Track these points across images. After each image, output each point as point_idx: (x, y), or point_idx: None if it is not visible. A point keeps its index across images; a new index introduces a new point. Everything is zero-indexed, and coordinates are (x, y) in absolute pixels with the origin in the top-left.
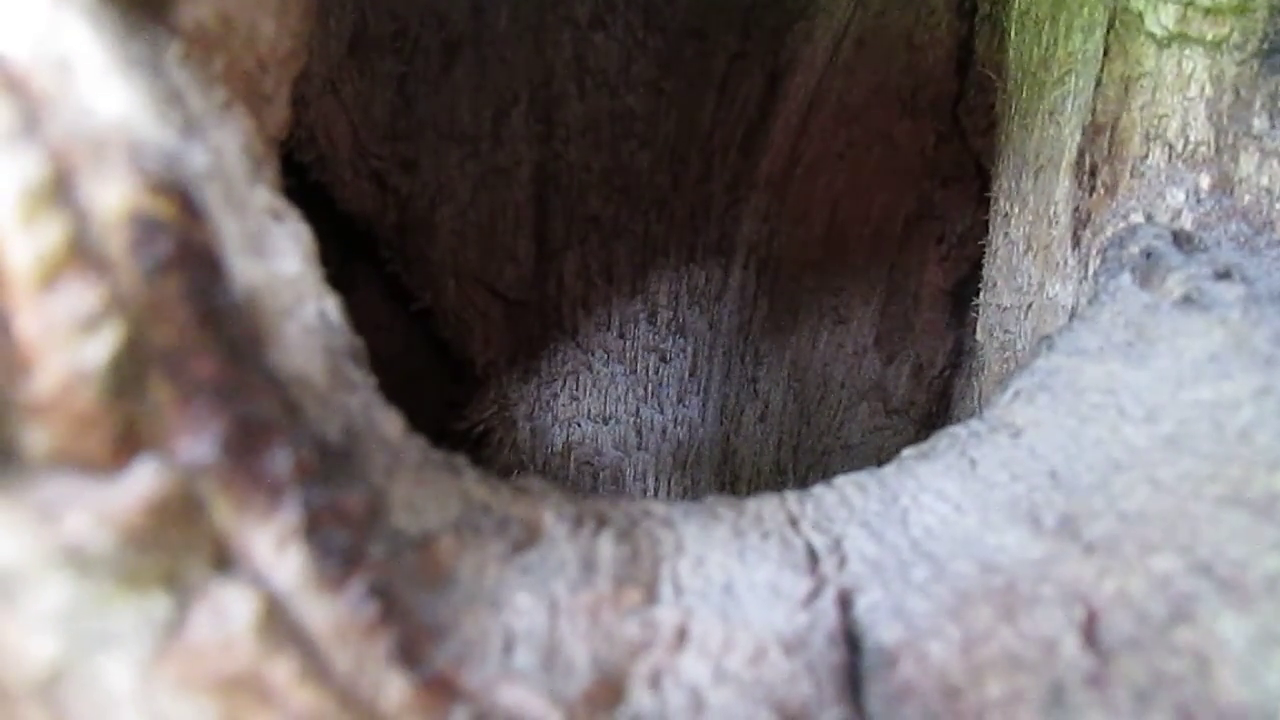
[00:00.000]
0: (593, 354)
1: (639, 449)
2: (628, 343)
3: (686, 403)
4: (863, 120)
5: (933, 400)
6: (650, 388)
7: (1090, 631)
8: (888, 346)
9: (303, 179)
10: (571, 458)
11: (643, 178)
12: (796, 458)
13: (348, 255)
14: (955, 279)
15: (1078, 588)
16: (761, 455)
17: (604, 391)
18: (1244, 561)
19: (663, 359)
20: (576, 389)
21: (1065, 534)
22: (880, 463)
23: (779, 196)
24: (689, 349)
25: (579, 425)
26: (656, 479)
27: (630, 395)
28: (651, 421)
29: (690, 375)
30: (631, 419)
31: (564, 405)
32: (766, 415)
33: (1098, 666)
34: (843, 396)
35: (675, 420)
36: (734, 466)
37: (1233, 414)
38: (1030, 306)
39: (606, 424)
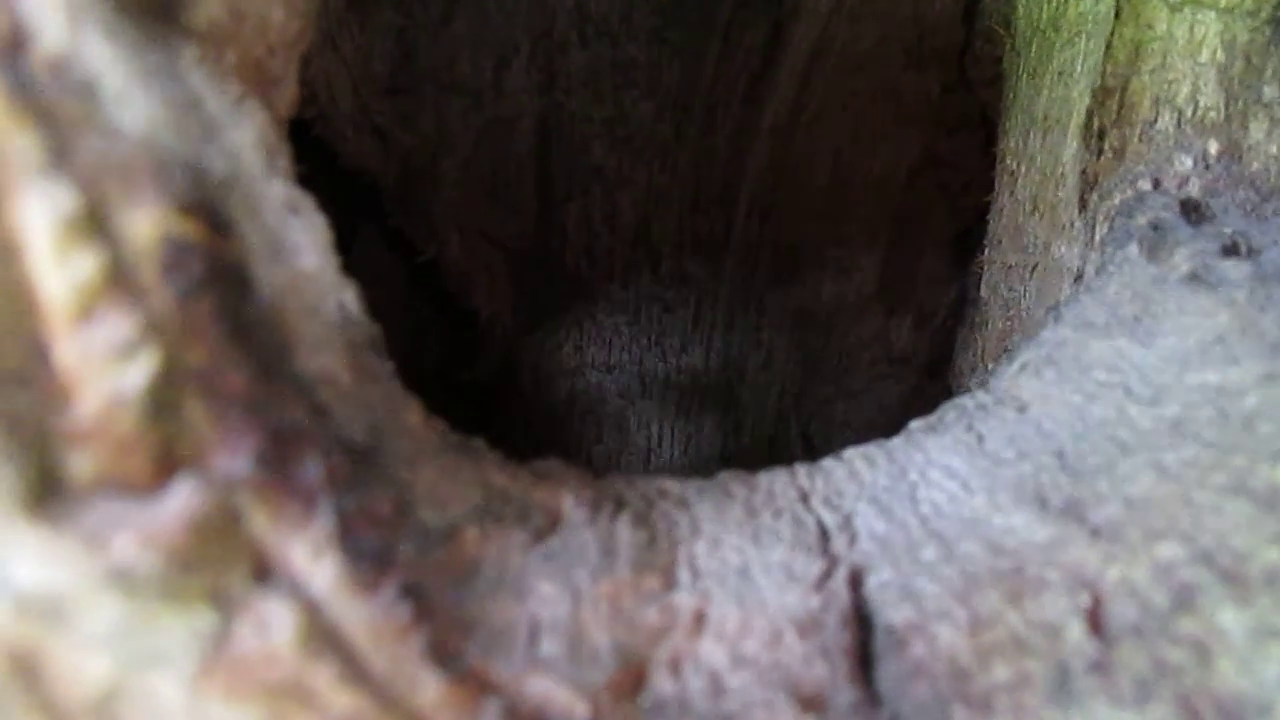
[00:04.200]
0: (596, 304)
1: (642, 398)
2: (631, 292)
3: (690, 352)
4: (868, 69)
5: (934, 350)
6: (654, 337)
7: (1095, 618)
8: (890, 296)
9: (304, 135)
10: (575, 407)
11: (645, 128)
12: (799, 406)
13: (350, 210)
14: (959, 229)
15: (1083, 574)
16: (764, 404)
17: (608, 341)
18: (1245, 553)
19: (666, 308)
20: (580, 339)
21: (1071, 517)
22: (882, 410)
23: (783, 146)
24: (692, 298)
25: (583, 375)
26: (660, 428)
27: (634, 345)
28: (655, 370)
29: (693, 324)
30: (635, 368)
31: (568, 355)
32: (769, 364)
33: (1102, 653)
34: (845, 346)
35: (679, 369)
36: (737, 415)
37: (1238, 401)
38: (1035, 267)
39: (610, 373)
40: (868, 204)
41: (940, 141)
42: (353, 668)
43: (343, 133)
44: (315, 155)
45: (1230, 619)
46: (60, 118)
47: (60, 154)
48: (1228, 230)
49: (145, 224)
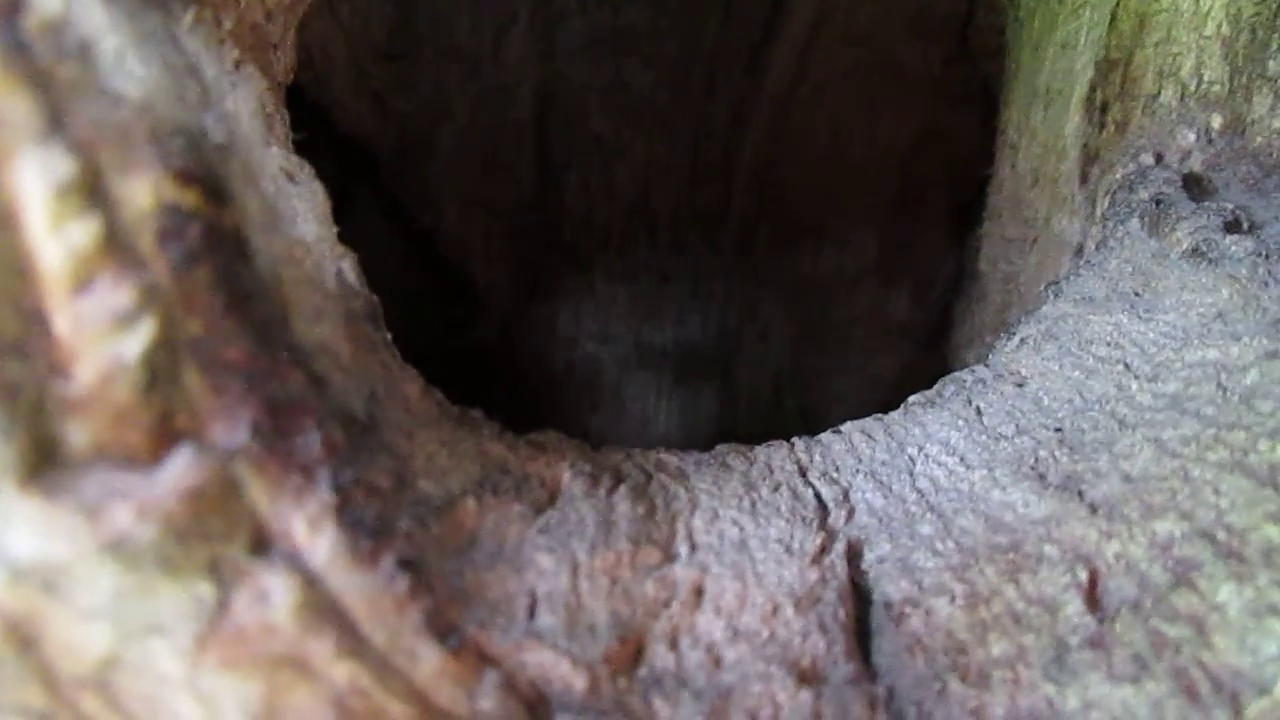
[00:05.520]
0: (594, 274)
1: (639, 368)
2: (628, 263)
3: (687, 323)
4: (869, 40)
5: (932, 322)
6: (651, 307)
7: (1092, 594)
8: (889, 268)
9: (300, 100)
10: (572, 377)
11: (645, 97)
12: (796, 378)
13: (347, 177)
14: (959, 201)
15: (1081, 549)
16: (761, 375)
17: (605, 311)
18: (1244, 530)
19: (664, 279)
20: (577, 309)
21: (1070, 493)
22: (879, 383)
23: (783, 117)
24: (690, 269)
25: (580, 345)
26: (656, 398)
27: (631, 315)
28: (652, 341)
29: (691, 296)
30: (632, 339)
31: (565, 325)
32: (767, 336)
33: (1099, 629)
34: (843, 318)
35: (675, 340)
36: (734, 386)
37: (1238, 377)
38: (1035, 240)
39: (607, 344)
40: (867, 175)
41: (941, 114)
42: (351, 639)
43: (339, 98)
44: (311, 121)
45: (1228, 595)
46: (56, 82)
47: (56, 119)
48: (1230, 205)
49: (142, 191)
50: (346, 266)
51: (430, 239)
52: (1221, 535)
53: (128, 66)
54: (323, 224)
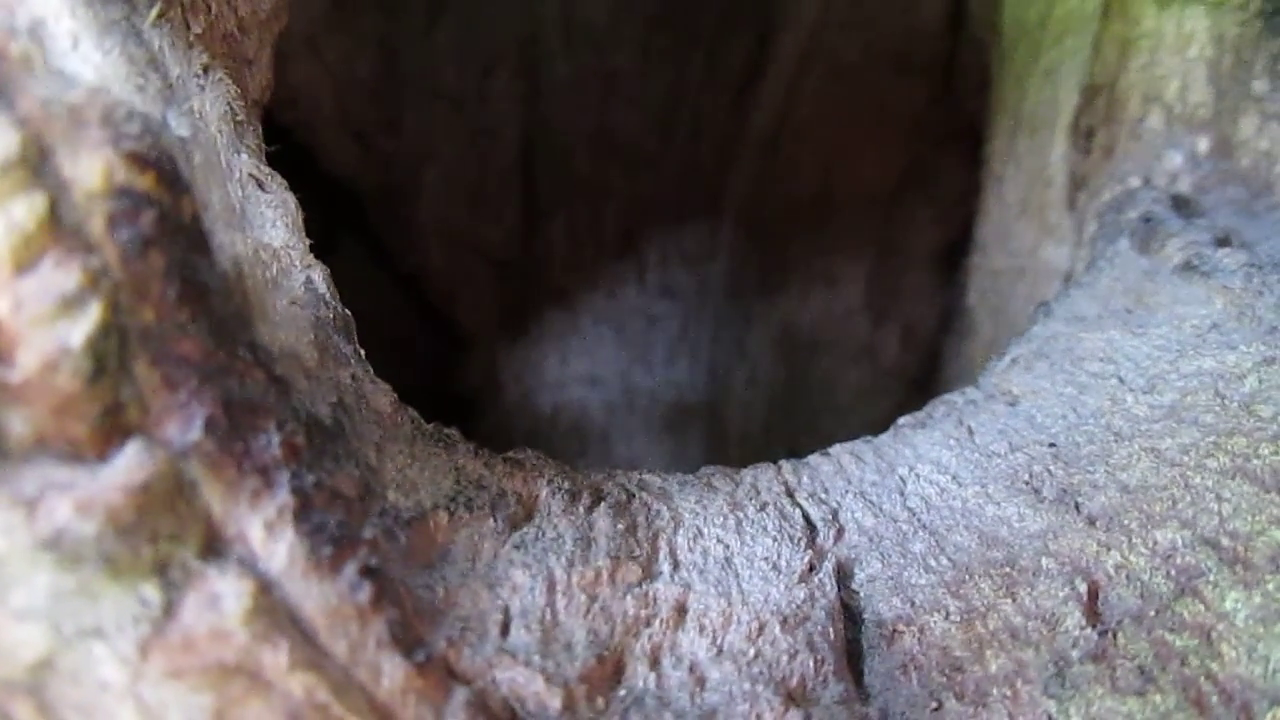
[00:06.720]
0: (581, 316)
1: (627, 412)
2: (616, 305)
3: (675, 365)
4: (854, 80)
5: (922, 361)
6: (639, 350)
7: (1093, 606)
8: (877, 308)
9: (284, 141)
10: (559, 421)
11: (630, 138)
12: (786, 420)
13: (332, 219)
14: (946, 240)
15: (1080, 561)
16: (751, 417)
17: (592, 354)
18: (1248, 535)
19: (651, 321)
20: (565, 352)
21: (1066, 506)
22: (870, 424)
23: (769, 157)
24: (678, 311)
25: (567, 388)
26: (645, 442)
27: (619, 358)
28: (640, 384)
29: (679, 337)
30: (620, 382)
31: (552, 368)
32: (755, 377)
33: (1101, 641)
34: (832, 358)
35: (664, 382)
36: (723, 429)
37: (1236, 385)
38: (1024, 270)
39: (595, 387)
40: (855, 214)
41: (926, 152)
42: (309, 650)
43: (324, 139)
44: (296, 162)
45: (1235, 603)
46: (4, 57)
47: (1, 93)
48: (1220, 224)
49: (92, 171)
50: (317, 276)
51: (415, 281)
52: (1226, 542)
53: (83, 50)
54: (292, 232)
